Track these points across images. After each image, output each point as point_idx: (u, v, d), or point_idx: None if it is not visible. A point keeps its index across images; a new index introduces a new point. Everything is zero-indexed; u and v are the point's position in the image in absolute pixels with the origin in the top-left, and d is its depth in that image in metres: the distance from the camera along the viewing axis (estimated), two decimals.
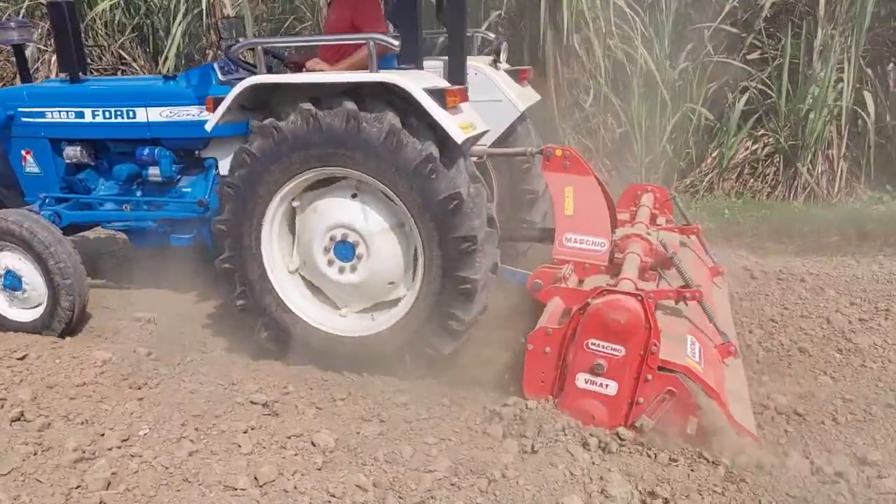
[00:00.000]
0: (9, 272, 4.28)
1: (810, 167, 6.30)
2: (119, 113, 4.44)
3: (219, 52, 5.77)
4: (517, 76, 4.71)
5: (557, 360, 3.19)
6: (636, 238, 3.92)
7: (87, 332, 4.43)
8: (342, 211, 3.58)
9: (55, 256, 4.14)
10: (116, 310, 4.71)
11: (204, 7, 6.74)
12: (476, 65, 4.44)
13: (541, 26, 6.02)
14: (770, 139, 6.43)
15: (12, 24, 4.57)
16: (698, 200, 6.43)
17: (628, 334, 3.00)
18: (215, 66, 4.43)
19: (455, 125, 3.28)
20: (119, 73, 6.99)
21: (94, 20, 7.15)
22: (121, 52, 7.30)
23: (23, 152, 4.67)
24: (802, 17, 6.38)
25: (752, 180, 6.16)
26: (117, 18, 7.34)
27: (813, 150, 6.26)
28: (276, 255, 3.74)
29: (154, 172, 4.44)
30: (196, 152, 4.50)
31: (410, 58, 3.68)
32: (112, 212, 4.66)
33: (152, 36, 7.44)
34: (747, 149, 6.05)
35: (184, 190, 4.56)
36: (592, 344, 3.06)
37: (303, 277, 3.83)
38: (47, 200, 4.61)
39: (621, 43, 6.15)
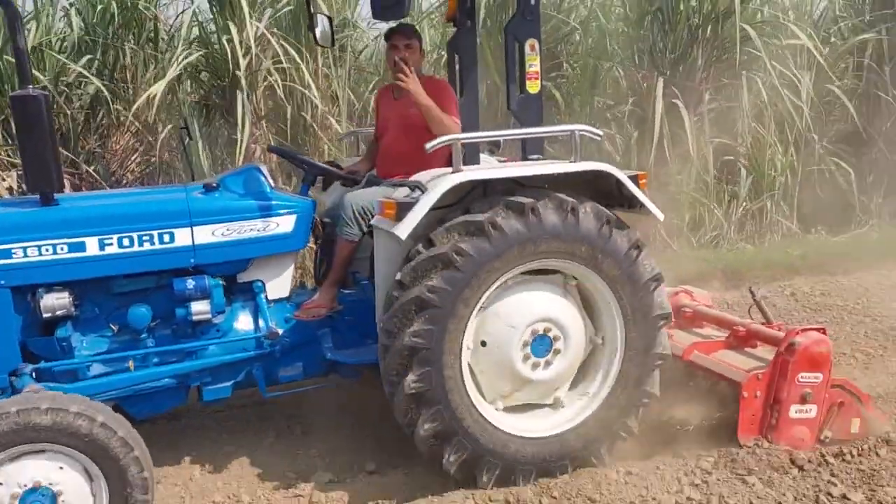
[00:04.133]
0: (35, 491, 2.82)
1: None
2: (147, 238, 3.33)
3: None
4: None
5: (766, 401, 3.65)
6: (684, 294, 4.55)
7: None
8: (535, 307, 3.43)
9: (139, 463, 2.90)
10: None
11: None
12: None
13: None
14: None
15: None
16: None
17: (825, 362, 3.63)
18: (263, 169, 3.67)
19: (656, 207, 3.51)
20: None
21: None
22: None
23: None
24: None
25: None
26: None
27: None
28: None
29: (200, 309, 3.41)
30: (237, 277, 3.64)
31: (537, 149, 3.74)
32: (109, 376, 3.39)
33: None
34: None
35: (230, 326, 3.60)
36: (802, 377, 3.61)
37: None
38: (28, 373, 3.16)
39: None
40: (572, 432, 3.50)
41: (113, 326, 3.45)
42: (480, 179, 3.29)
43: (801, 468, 3.44)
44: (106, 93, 5.84)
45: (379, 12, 3.33)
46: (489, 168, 3.45)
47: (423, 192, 3.21)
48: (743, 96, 7.14)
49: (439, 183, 3.19)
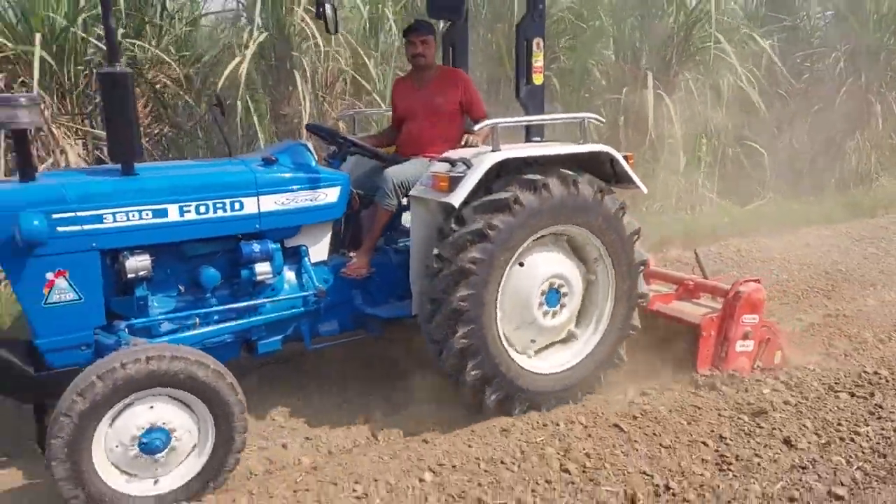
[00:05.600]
0: (153, 430, 3.17)
1: None
2: (220, 206, 3.67)
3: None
4: None
5: (718, 338, 4.55)
6: None
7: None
8: (548, 266, 4.10)
9: (241, 404, 3.31)
10: None
11: None
12: None
13: None
14: None
15: (22, 99, 3.21)
16: None
17: (760, 306, 4.59)
18: (309, 145, 4.08)
19: (641, 182, 4.28)
20: None
21: None
22: None
23: (49, 276, 3.31)
24: None
25: None
26: None
27: None
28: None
29: (263, 270, 3.81)
30: (285, 242, 4.04)
31: (539, 133, 4.41)
32: (178, 332, 3.72)
33: None
34: None
35: (282, 286, 4.01)
36: (745, 319, 4.55)
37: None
38: (123, 329, 3.44)
39: None
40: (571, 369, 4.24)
41: (181, 287, 3.77)
42: (517, 157, 3.91)
43: (836, 358, 4.81)
44: (173, 64, 5.96)
45: (436, 12, 3.82)
46: (520, 148, 4.06)
47: (468, 168, 3.79)
48: (681, 90, 8.40)
49: (484, 160, 3.78)
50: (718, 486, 3.31)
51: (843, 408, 4.03)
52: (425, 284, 3.89)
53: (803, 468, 3.47)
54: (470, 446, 3.66)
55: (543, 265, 4.09)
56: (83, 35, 5.83)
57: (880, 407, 4.01)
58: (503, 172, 3.94)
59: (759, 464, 3.49)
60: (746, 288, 4.58)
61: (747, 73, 8.69)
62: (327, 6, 4.61)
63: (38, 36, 5.31)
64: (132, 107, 3.44)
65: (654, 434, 3.76)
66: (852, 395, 4.20)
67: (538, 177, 3.87)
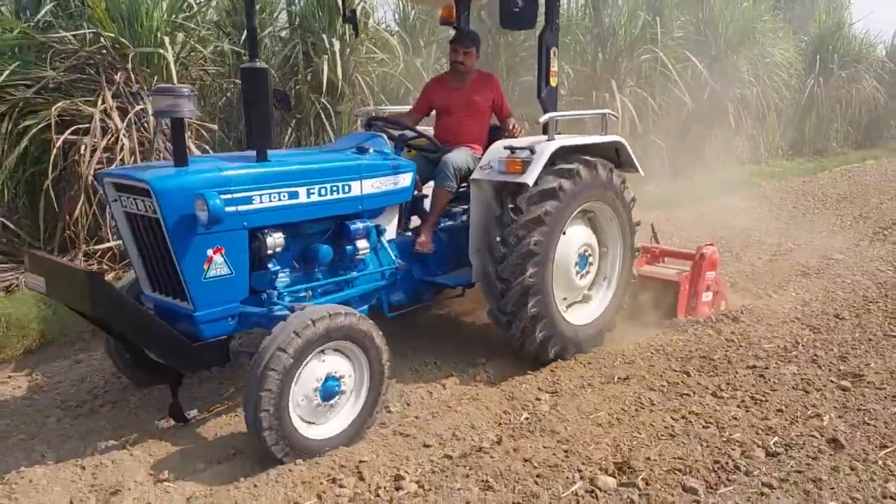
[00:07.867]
0: (329, 379, 3.61)
1: None
2: (335, 188, 4.12)
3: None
4: None
5: (690, 291, 5.68)
6: None
7: None
8: (578, 237, 4.97)
9: (387, 348, 3.84)
10: None
11: None
12: None
13: None
14: None
15: (184, 90, 3.49)
16: None
17: (717, 264, 5.80)
18: (384, 137, 4.60)
19: (640, 166, 5.28)
20: None
21: None
22: None
23: (210, 252, 3.62)
24: None
25: None
26: None
27: None
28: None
29: (363, 246, 4.31)
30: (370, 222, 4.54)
31: (554, 130, 5.27)
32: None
33: None
34: None
35: (370, 260, 4.49)
36: (708, 274, 5.71)
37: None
38: (275, 297, 3.82)
39: None
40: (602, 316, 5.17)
41: (295, 263, 4.16)
42: (569, 145, 4.73)
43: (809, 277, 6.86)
44: None
45: (509, 24, 4.51)
46: (568, 138, 4.89)
47: (532, 153, 4.55)
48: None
49: (545, 148, 4.57)
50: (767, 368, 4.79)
51: (815, 312, 5.92)
52: (491, 266, 4.58)
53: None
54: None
55: (575, 237, 4.96)
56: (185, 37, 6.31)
57: (838, 316, 5.86)
58: None
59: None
60: (708, 250, 5.77)
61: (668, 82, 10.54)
62: (356, 11, 5.18)
63: (166, 38, 5.48)
64: (268, 99, 3.84)
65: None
66: (824, 303, 6.20)
67: (573, 165, 4.72)
